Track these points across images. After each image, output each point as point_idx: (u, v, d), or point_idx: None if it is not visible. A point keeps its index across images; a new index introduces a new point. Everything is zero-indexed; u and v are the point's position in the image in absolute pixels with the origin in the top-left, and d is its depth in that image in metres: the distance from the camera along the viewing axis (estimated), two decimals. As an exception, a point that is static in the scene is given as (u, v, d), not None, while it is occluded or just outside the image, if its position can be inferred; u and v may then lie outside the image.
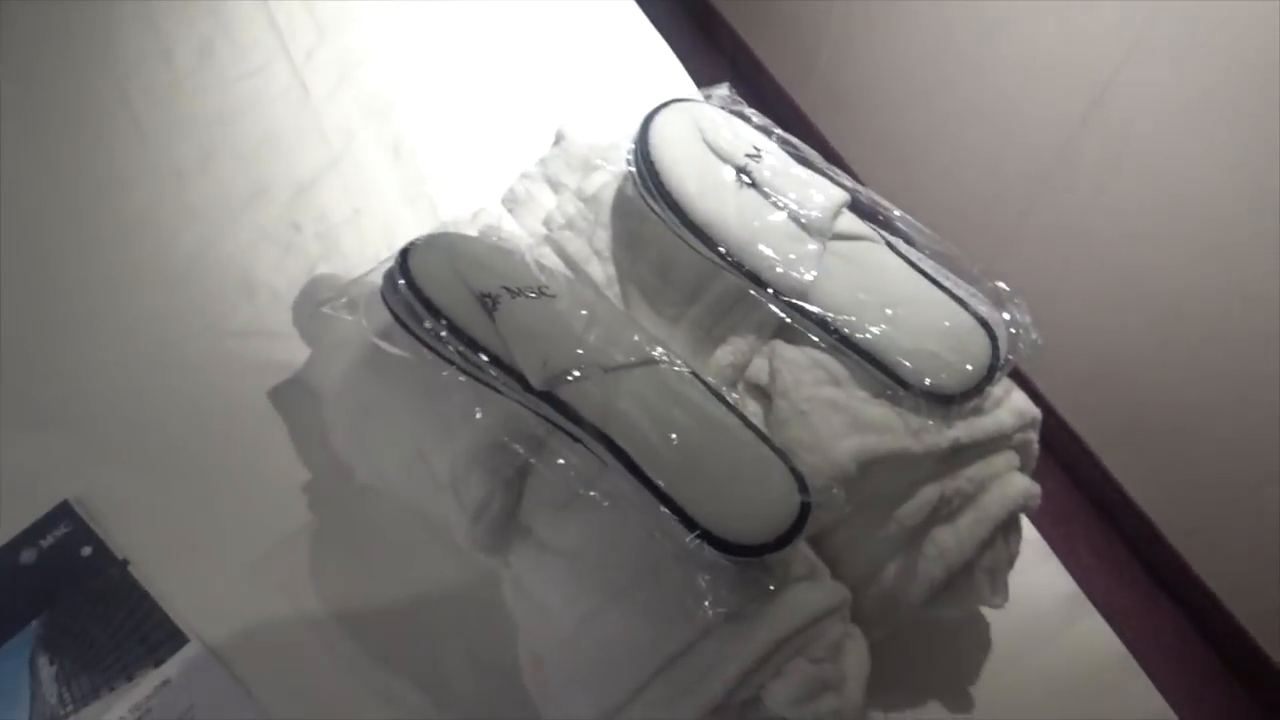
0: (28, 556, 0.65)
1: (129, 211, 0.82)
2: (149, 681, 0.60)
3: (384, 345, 0.56)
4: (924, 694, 0.65)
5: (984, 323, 0.61)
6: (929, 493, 0.58)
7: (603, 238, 0.66)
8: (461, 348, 0.52)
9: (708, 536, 0.50)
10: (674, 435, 0.52)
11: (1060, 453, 1.52)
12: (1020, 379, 1.51)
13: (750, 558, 0.51)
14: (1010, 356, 0.61)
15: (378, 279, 0.56)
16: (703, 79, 0.76)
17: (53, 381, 0.73)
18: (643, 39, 1.02)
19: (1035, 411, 0.64)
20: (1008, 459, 0.62)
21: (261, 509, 0.67)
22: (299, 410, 0.72)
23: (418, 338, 0.54)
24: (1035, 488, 0.62)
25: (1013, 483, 0.61)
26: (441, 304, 0.53)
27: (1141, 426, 1.33)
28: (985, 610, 0.68)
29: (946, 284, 0.62)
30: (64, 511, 0.67)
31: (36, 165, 0.85)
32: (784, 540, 0.52)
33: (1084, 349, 1.37)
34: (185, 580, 0.64)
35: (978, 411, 0.61)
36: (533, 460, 0.55)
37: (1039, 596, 0.71)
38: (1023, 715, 0.65)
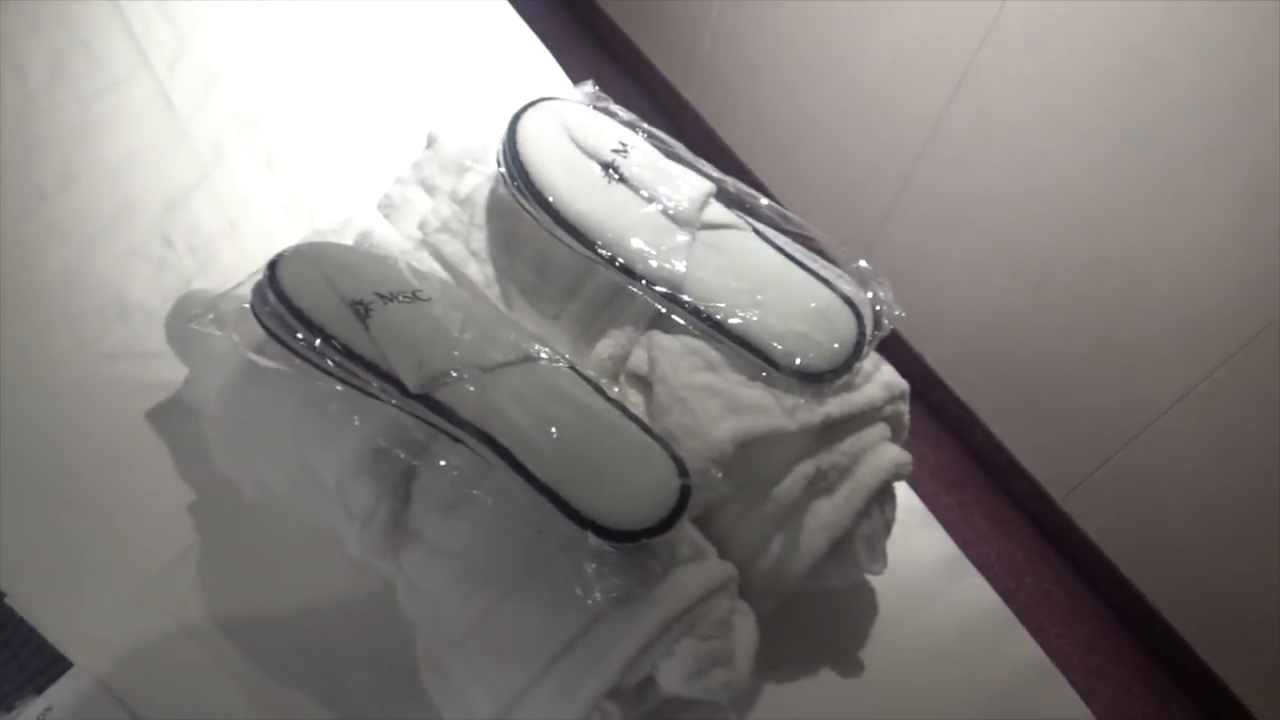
0: None
1: (-15, 236, 0.79)
2: (31, 710, 0.58)
3: (258, 359, 0.55)
4: (815, 662, 0.68)
5: (849, 301, 0.64)
6: (804, 468, 0.60)
7: (479, 239, 0.67)
8: (337, 357, 0.52)
9: (591, 525, 0.52)
10: (554, 429, 0.54)
11: (950, 420, 1.59)
12: (907, 352, 1.58)
13: (634, 542, 0.53)
14: (875, 332, 0.64)
15: (247, 292, 0.56)
16: (582, 72, 0.76)
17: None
18: (515, 36, 1.03)
19: (903, 384, 0.67)
20: (879, 431, 0.65)
21: (145, 531, 0.66)
22: (179, 430, 0.70)
23: (291, 349, 0.53)
24: (906, 456, 0.65)
25: (885, 453, 0.64)
26: (313, 314, 0.53)
27: (1022, 391, 1.40)
28: (870, 578, 0.71)
29: (813, 266, 0.65)
30: None
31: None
32: (666, 524, 0.53)
33: (966, 319, 1.44)
34: (68, 608, 0.62)
35: (848, 387, 0.63)
36: (416, 464, 0.55)
37: (921, 561, 0.75)
38: (910, 675, 0.68)
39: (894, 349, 1.63)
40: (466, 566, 0.56)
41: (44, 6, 0.94)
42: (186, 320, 0.61)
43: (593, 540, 0.52)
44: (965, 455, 1.60)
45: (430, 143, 0.74)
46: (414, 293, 0.56)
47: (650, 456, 0.55)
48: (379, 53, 0.97)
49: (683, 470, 0.55)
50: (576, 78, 0.73)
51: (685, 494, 0.54)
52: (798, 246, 0.66)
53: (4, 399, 0.71)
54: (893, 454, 0.64)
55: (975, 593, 0.75)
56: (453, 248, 0.67)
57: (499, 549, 0.55)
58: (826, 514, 0.62)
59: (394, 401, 0.53)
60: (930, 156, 1.39)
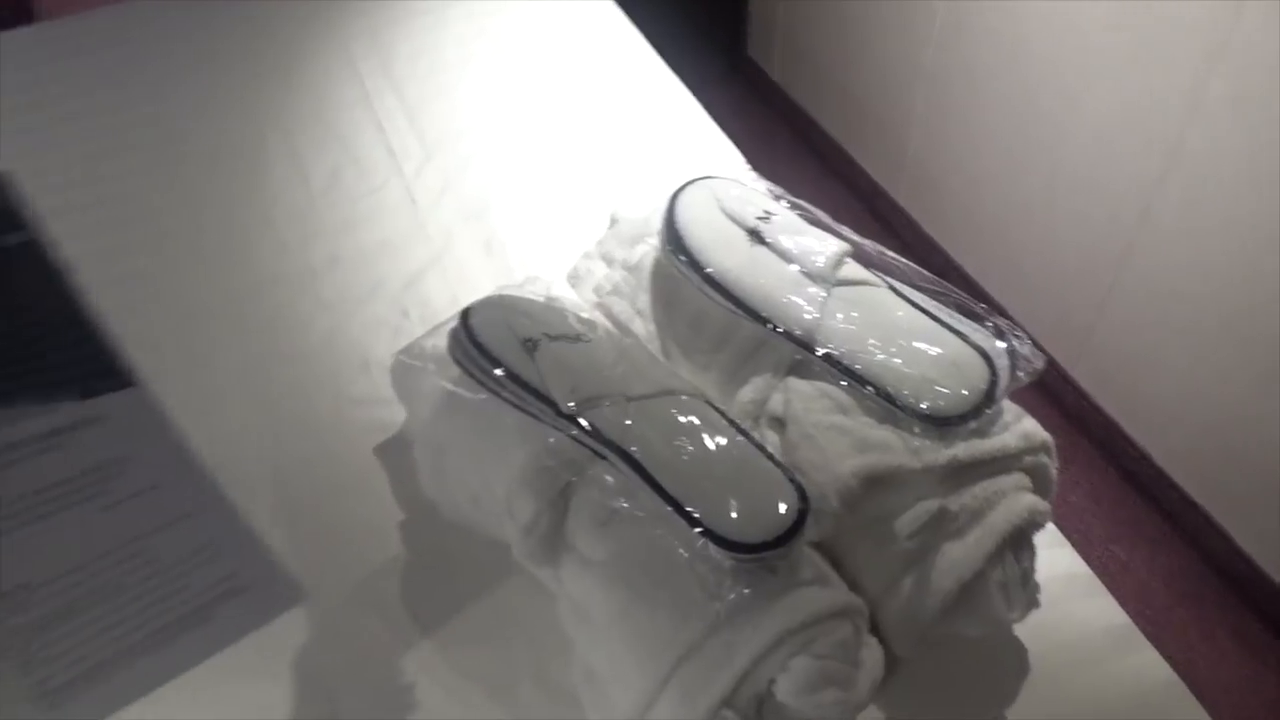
0: None
1: (271, 306, 0.99)
2: (68, 413, 0.53)
3: (451, 387, 0.67)
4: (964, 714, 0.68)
5: (981, 352, 0.67)
6: (928, 505, 0.63)
7: (644, 300, 0.77)
8: (509, 383, 0.63)
9: (712, 535, 0.58)
10: (684, 451, 0.61)
11: (1184, 525, 1.48)
12: (1133, 450, 1.49)
13: (750, 555, 0.58)
14: (1009, 382, 0.66)
15: (443, 338, 0.69)
16: (794, 180, 0.84)
17: (212, 444, 0.88)
18: (706, 133, 1.15)
19: (1045, 436, 0.68)
20: (1016, 479, 0.66)
21: (360, 544, 0.79)
22: (399, 461, 0.84)
23: (475, 378, 0.65)
24: (1044, 505, 0.65)
25: (1020, 500, 0.65)
26: (493, 348, 0.64)
27: (1267, 488, 1.29)
28: (1029, 639, 0.71)
29: (946, 319, 0.69)
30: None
31: (196, 273, 1.03)
32: (782, 540, 0.58)
33: (1195, 408, 1.36)
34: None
35: (980, 434, 0.66)
36: (573, 480, 0.64)
37: (1087, 627, 0.73)
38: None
39: (1113, 448, 1.56)
40: (610, 576, 0.63)
41: (328, 131, 1.18)
42: (405, 365, 0.75)
43: (714, 550, 0.58)
44: (1202, 564, 1.48)
45: (613, 223, 0.86)
46: (577, 335, 0.67)
47: (773, 481, 0.61)
48: (580, 151, 1.13)
49: (803, 495, 0.60)
50: (787, 183, 0.82)
51: (803, 516, 0.59)
52: (933, 302, 0.70)
53: (279, 436, 0.88)
54: (1028, 501, 0.65)
55: (1148, 669, 0.72)
56: (621, 307, 0.77)
57: (637, 559, 0.62)
58: (956, 556, 0.64)
59: (551, 422, 0.62)
60: (1144, 236, 1.35)
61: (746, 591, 0.58)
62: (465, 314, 0.67)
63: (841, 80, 1.99)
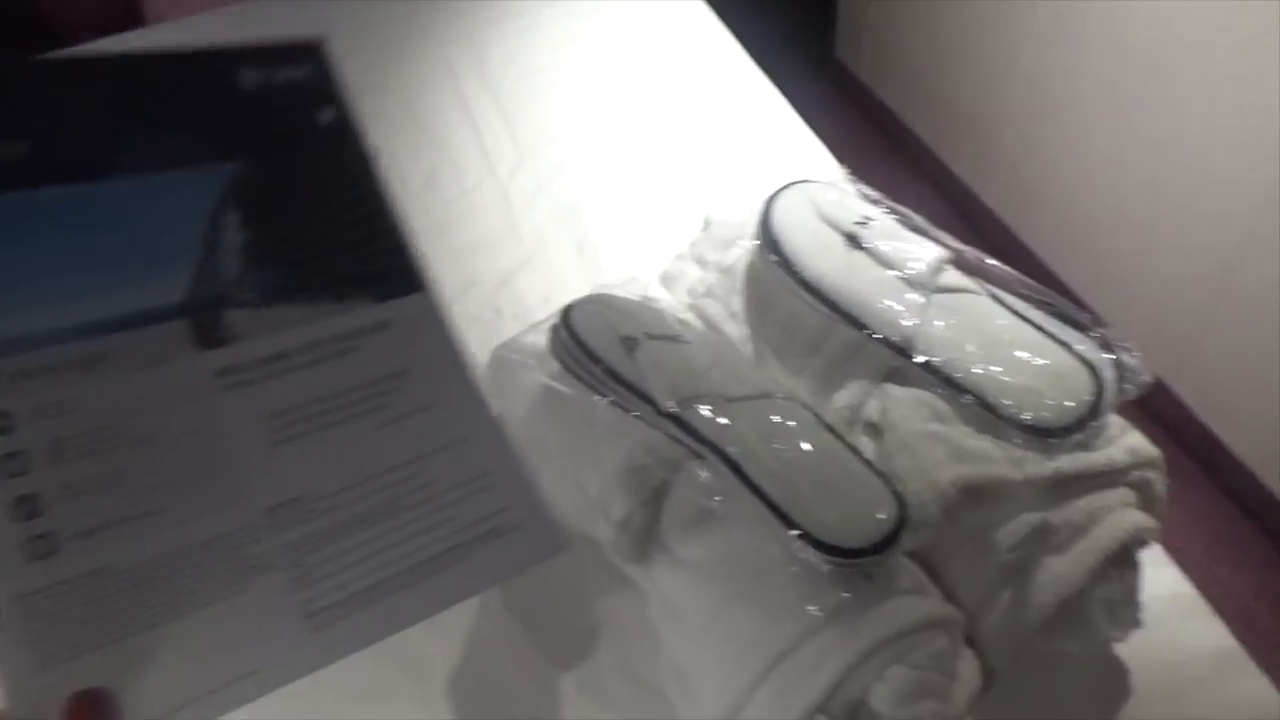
0: (249, 80, 0.49)
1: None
2: (363, 315, 0.47)
3: (550, 382, 0.68)
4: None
5: (1087, 363, 0.65)
6: (1030, 518, 0.62)
7: (737, 303, 0.77)
8: (608, 380, 0.64)
9: (809, 538, 0.58)
10: (783, 453, 0.61)
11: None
12: (1249, 480, 1.44)
13: (848, 560, 0.58)
14: (1116, 395, 0.65)
15: (544, 335, 0.70)
16: (878, 177, 0.83)
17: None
18: (796, 134, 1.15)
19: (1153, 451, 0.66)
20: (1121, 494, 0.65)
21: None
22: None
23: (575, 374, 0.66)
24: (1150, 522, 0.64)
25: (1126, 516, 0.64)
26: (593, 345, 0.65)
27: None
28: (1133, 659, 0.69)
29: (1050, 328, 0.67)
30: (313, 51, 0.51)
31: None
32: (880, 546, 0.58)
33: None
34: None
35: (1084, 447, 0.64)
36: (667, 479, 0.65)
37: (1194, 650, 0.71)
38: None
39: (1215, 464, 1.50)
40: (703, 576, 0.64)
41: (423, 133, 1.21)
42: (503, 359, 0.76)
43: (811, 554, 0.58)
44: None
45: (706, 225, 0.87)
46: (675, 336, 0.67)
47: (870, 487, 0.61)
48: (671, 152, 1.13)
49: (900, 503, 0.60)
50: (875, 185, 0.81)
51: (900, 524, 0.59)
52: (1036, 311, 0.69)
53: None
54: (1135, 518, 0.63)
55: (1255, 695, 0.69)
56: (714, 309, 0.77)
57: (730, 560, 0.62)
58: (1058, 570, 0.63)
59: (649, 420, 0.63)
60: (1254, 245, 1.30)
61: (848, 597, 0.57)
62: (567, 311, 0.68)
63: (932, 81, 1.96)
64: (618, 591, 0.74)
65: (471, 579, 0.46)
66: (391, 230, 0.49)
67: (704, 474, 0.63)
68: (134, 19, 1.74)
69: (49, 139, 0.43)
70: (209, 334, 0.43)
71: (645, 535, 0.67)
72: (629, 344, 0.65)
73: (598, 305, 0.69)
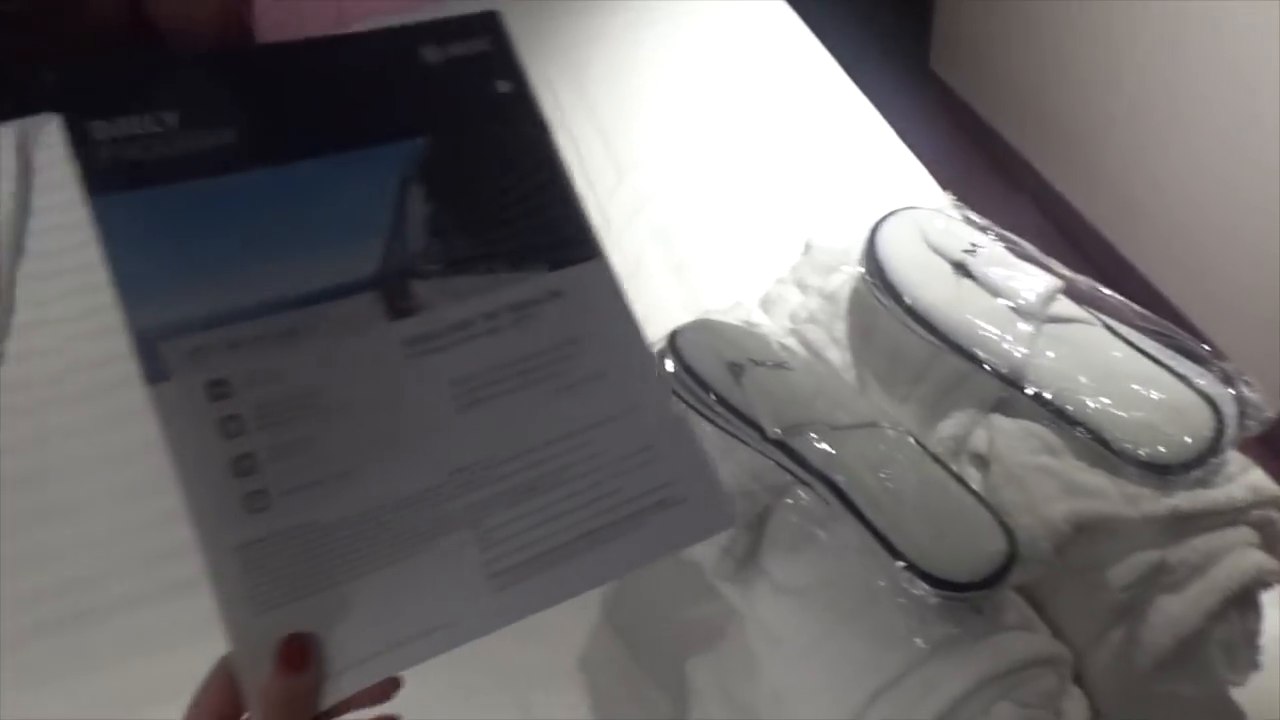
0: (432, 55, 0.50)
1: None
2: (538, 283, 0.48)
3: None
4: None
5: (1206, 397, 0.64)
6: (1146, 557, 0.60)
7: (840, 329, 0.77)
8: (716, 405, 0.65)
9: (918, 571, 0.58)
10: (890, 483, 0.61)
11: None
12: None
13: (956, 593, 0.57)
14: (1237, 431, 0.63)
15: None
16: (978, 195, 0.82)
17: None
18: (895, 154, 1.14)
19: (1276, 489, 0.64)
20: (1242, 534, 0.63)
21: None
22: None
23: (681, 399, 0.67)
24: (1272, 563, 0.62)
25: (1247, 557, 0.62)
26: (700, 370, 0.67)
27: None
28: (1249, 704, 0.67)
29: (1167, 361, 0.66)
30: (489, 23, 0.52)
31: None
32: (989, 581, 0.57)
33: None
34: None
35: (1203, 484, 0.62)
36: (769, 504, 0.66)
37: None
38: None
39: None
40: (805, 602, 0.64)
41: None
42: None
43: (918, 586, 0.58)
44: None
45: (807, 249, 0.87)
46: (780, 363, 0.68)
47: (979, 520, 0.60)
48: (770, 174, 1.14)
49: (1010, 537, 0.59)
50: (973, 201, 0.80)
51: (1011, 559, 0.58)
52: (1152, 342, 0.67)
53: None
54: (1256, 558, 0.61)
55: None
56: (816, 335, 0.78)
57: (833, 588, 0.63)
58: (1174, 611, 0.61)
59: (755, 446, 0.64)
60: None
61: (955, 630, 0.57)
62: (673, 336, 0.70)
63: (1032, 95, 1.92)
64: (717, 614, 0.75)
65: (642, 549, 0.46)
66: (565, 199, 0.50)
67: (808, 499, 0.64)
68: (248, 39, 1.82)
69: (252, 125, 0.45)
70: (398, 304, 0.45)
71: (746, 560, 0.67)
72: (735, 370, 0.66)
73: (704, 331, 0.70)
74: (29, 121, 1.35)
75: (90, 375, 1.02)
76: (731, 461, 0.66)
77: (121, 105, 0.43)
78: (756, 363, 0.67)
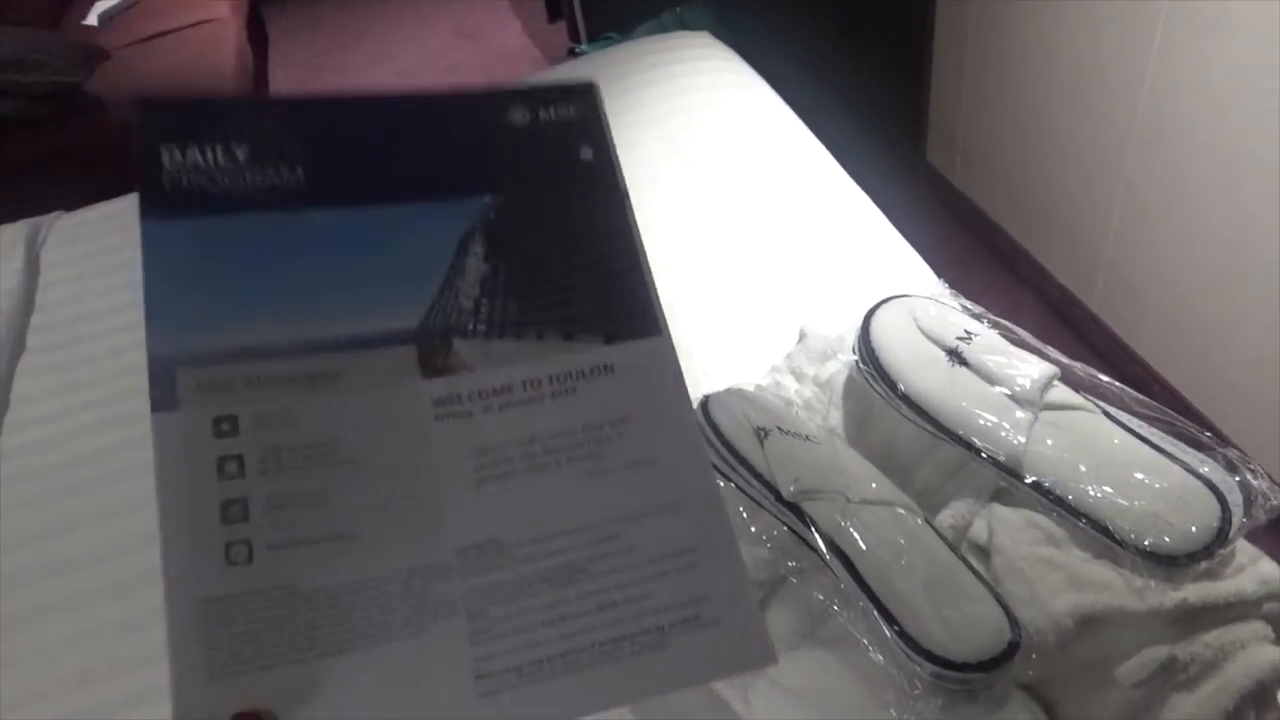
0: (519, 118, 0.49)
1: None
2: (589, 355, 0.45)
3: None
4: None
5: (1211, 485, 0.62)
6: (1155, 653, 0.58)
7: (835, 416, 0.76)
8: (739, 466, 0.66)
9: (913, 643, 0.56)
10: (898, 559, 0.60)
11: None
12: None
13: (952, 672, 0.55)
14: (1244, 520, 0.61)
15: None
16: (980, 287, 0.81)
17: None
18: (891, 244, 1.15)
19: (1288, 582, 0.62)
20: (1255, 629, 0.60)
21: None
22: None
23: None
24: (1290, 660, 0.59)
25: (1262, 653, 0.59)
26: (725, 429, 0.68)
27: None
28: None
29: (1169, 448, 0.65)
30: (585, 93, 0.51)
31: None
32: (990, 665, 0.56)
33: None
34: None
35: (1211, 575, 0.61)
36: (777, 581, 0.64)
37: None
38: None
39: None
40: (802, 702, 0.62)
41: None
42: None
43: (915, 659, 0.56)
44: None
45: (801, 337, 0.87)
46: (807, 435, 0.69)
47: (986, 606, 0.59)
48: (766, 263, 1.15)
49: (1016, 627, 0.57)
50: (972, 290, 0.80)
51: (1014, 647, 0.56)
52: (1153, 429, 0.66)
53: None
54: (1271, 655, 0.59)
55: None
56: (813, 424, 0.77)
57: (830, 689, 0.61)
58: (1188, 711, 0.58)
59: (769, 507, 0.65)
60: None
61: (939, 702, 0.55)
62: (705, 400, 0.72)
63: (1029, 186, 1.94)
64: (713, 714, 0.72)
65: (660, 674, 0.40)
66: (633, 271, 0.47)
67: (816, 586, 0.63)
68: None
69: (321, 168, 0.44)
70: (434, 361, 0.43)
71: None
72: (760, 434, 0.67)
73: (736, 397, 0.72)
74: (39, 220, 1.38)
75: (82, 470, 1.01)
76: (749, 524, 0.66)
77: (195, 134, 0.43)
78: (782, 430, 0.68)
